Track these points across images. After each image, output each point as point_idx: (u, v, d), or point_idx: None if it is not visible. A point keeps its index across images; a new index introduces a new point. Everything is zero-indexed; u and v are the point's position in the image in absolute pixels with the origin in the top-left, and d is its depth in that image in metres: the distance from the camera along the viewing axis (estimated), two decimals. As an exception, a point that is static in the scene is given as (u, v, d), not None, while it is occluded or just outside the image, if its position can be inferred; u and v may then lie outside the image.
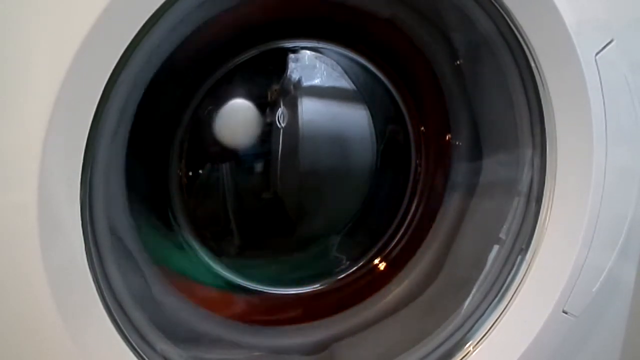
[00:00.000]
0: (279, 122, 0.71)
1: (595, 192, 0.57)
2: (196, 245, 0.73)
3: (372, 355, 0.66)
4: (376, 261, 0.78)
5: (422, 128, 0.78)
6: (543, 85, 0.57)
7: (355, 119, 0.76)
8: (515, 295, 0.60)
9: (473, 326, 0.61)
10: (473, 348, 0.60)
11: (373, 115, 0.76)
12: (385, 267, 0.78)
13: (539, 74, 0.57)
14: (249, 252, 0.76)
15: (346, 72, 0.76)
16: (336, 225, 0.79)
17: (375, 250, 0.79)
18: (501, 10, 0.55)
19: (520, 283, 0.60)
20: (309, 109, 0.73)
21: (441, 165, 0.75)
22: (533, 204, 0.61)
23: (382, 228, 0.79)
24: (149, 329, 0.52)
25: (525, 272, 0.60)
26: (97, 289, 0.46)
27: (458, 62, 0.68)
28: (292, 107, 0.72)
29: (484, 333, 0.60)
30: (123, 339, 0.48)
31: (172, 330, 0.56)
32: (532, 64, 0.57)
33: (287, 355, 0.66)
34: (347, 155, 0.76)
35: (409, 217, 0.79)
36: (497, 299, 0.61)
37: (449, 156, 0.74)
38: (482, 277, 0.63)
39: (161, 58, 0.53)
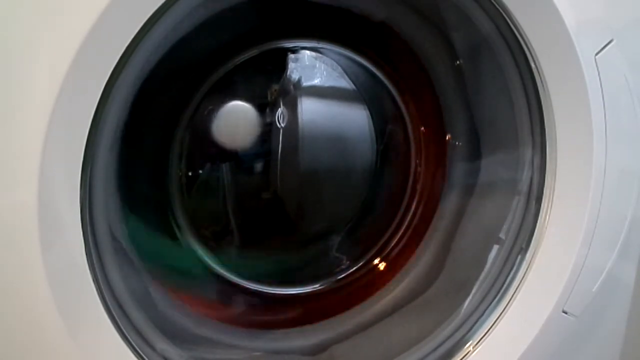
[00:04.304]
0: (278, 122, 0.71)
1: (595, 192, 0.57)
2: (196, 245, 0.73)
3: (372, 355, 0.66)
4: (376, 261, 0.78)
5: (422, 128, 0.78)
6: (543, 85, 0.57)
7: (355, 119, 0.76)
8: (515, 295, 0.60)
9: (473, 326, 0.61)
10: (473, 348, 0.60)
11: (373, 115, 0.76)
12: (385, 267, 0.78)
13: (539, 74, 0.57)
14: (249, 252, 0.76)
15: (346, 72, 0.76)
16: (336, 225, 0.79)
17: (375, 250, 0.79)
18: (501, 10, 0.55)
19: (520, 283, 0.60)
20: (309, 109, 0.72)
21: (441, 165, 0.75)
22: (533, 204, 0.61)
23: (382, 228, 0.79)
24: (149, 329, 0.52)
25: (525, 272, 0.60)
26: (97, 289, 0.46)
27: (458, 62, 0.68)
28: (292, 107, 0.72)
29: (484, 333, 0.60)
30: (123, 339, 0.48)
31: (171, 331, 0.56)
32: (532, 64, 0.57)
33: (286, 355, 0.66)
34: (347, 155, 0.76)
35: (408, 217, 0.79)
36: (497, 298, 0.61)
37: (449, 156, 0.74)
38: (482, 277, 0.63)
39: (161, 58, 0.53)
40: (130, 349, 0.49)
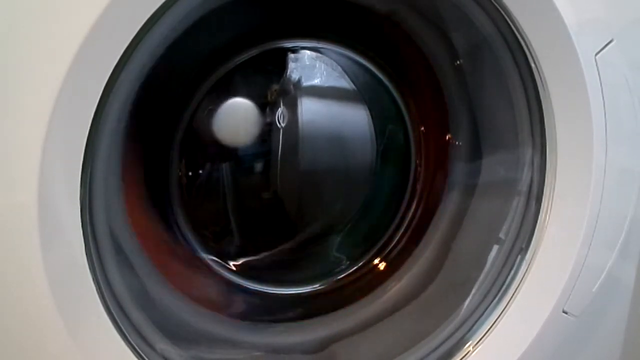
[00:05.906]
0: (278, 122, 0.71)
1: (595, 192, 0.57)
2: (196, 245, 0.73)
3: (371, 354, 0.66)
4: (376, 261, 0.78)
5: (422, 128, 0.78)
6: (543, 85, 0.57)
7: (355, 119, 0.76)
8: (515, 295, 0.60)
9: (473, 326, 0.61)
10: (473, 348, 0.60)
11: (373, 115, 0.76)
12: (385, 267, 0.78)
13: (539, 74, 0.57)
14: (248, 252, 0.76)
15: (346, 72, 0.76)
16: (336, 225, 0.79)
17: (375, 250, 0.79)
18: (501, 10, 0.55)
19: (520, 283, 0.60)
20: (309, 109, 0.72)
21: (441, 165, 0.75)
22: (533, 204, 0.61)
23: (382, 228, 0.79)
24: (149, 329, 0.52)
25: (525, 272, 0.60)
26: (97, 289, 0.46)
27: (458, 62, 0.68)
28: (292, 107, 0.72)
29: (484, 333, 0.60)
30: (123, 339, 0.48)
31: (172, 330, 0.56)
32: (532, 64, 0.57)
33: (286, 354, 0.66)
34: (347, 155, 0.76)
35: (408, 217, 0.79)
36: (497, 299, 0.61)
37: (449, 156, 0.74)
38: (482, 277, 0.63)
39: (161, 58, 0.53)
40: (130, 349, 0.49)
